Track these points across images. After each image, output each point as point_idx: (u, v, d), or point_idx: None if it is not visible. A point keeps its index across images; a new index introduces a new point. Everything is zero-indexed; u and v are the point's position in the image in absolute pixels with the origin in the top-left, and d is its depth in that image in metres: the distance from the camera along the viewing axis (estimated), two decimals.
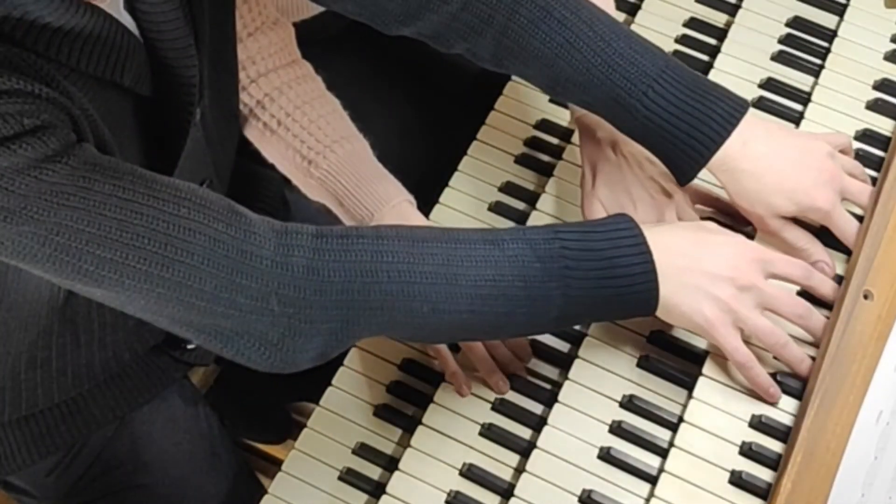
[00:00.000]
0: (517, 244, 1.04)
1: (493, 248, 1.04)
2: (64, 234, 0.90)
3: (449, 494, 1.12)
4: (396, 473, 1.13)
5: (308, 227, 1.01)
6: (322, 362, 1.04)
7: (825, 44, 1.32)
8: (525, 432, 1.14)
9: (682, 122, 1.13)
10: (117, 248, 0.92)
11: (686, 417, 1.11)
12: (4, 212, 0.87)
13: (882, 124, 1.27)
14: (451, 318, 1.04)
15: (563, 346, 1.18)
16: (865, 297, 1.10)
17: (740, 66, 1.31)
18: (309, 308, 0.99)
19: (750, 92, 1.29)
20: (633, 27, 1.35)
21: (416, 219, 1.23)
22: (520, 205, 1.28)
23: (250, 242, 0.97)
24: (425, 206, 1.27)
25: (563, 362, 1.16)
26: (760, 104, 1.29)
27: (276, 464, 1.21)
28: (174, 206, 0.94)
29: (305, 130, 1.26)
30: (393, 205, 1.23)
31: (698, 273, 1.06)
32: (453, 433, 1.14)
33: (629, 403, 1.13)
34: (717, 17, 1.36)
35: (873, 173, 1.22)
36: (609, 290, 1.05)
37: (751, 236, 1.17)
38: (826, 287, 1.12)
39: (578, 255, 1.04)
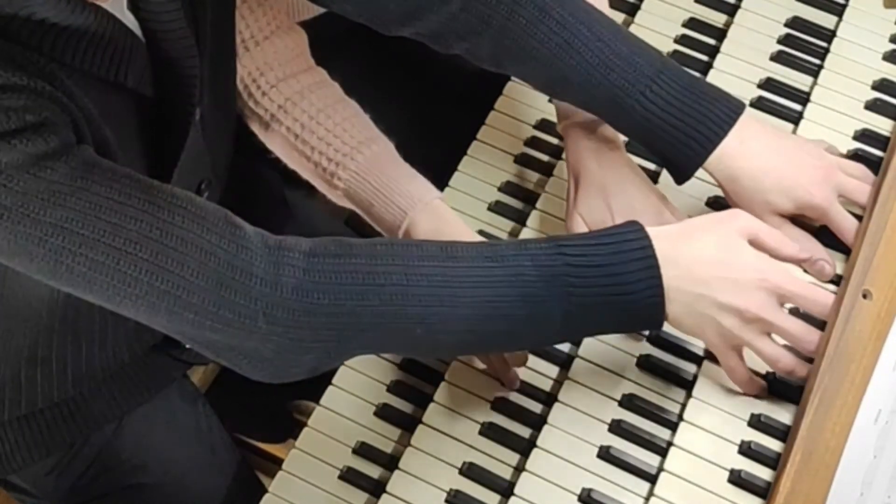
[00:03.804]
0: (519, 259, 1.02)
1: (494, 266, 1.02)
2: (59, 235, 0.90)
3: (449, 493, 1.12)
4: (396, 473, 1.13)
5: (303, 244, 1.00)
6: (315, 375, 1.03)
7: (824, 44, 1.32)
8: (525, 431, 1.14)
9: (679, 121, 1.13)
10: (110, 253, 0.92)
11: (685, 417, 1.11)
12: (1, 208, 0.87)
13: (881, 124, 1.27)
14: (447, 339, 1.03)
15: (563, 346, 1.18)
16: (864, 296, 1.10)
17: (739, 67, 1.31)
18: (297, 328, 0.98)
19: (749, 92, 1.29)
20: (633, 27, 1.35)
21: (450, 216, 1.21)
22: (520, 205, 1.28)
23: (242, 258, 0.97)
24: None
25: (563, 362, 1.17)
26: (759, 104, 1.29)
27: (277, 463, 1.21)
28: (169, 213, 0.94)
29: (331, 133, 1.24)
30: (426, 202, 1.21)
31: (708, 301, 1.04)
32: (453, 432, 1.15)
33: (629, 403, 1.13)
34: (717, 18, 1.36)
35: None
36: (612, 308, 1.03)
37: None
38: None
39: (582, 271, 1.02)
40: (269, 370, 1.00)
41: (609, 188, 1.18)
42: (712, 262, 1.04)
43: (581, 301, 1.02)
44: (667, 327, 1.14)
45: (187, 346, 1.29)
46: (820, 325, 1.10)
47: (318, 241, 1.01)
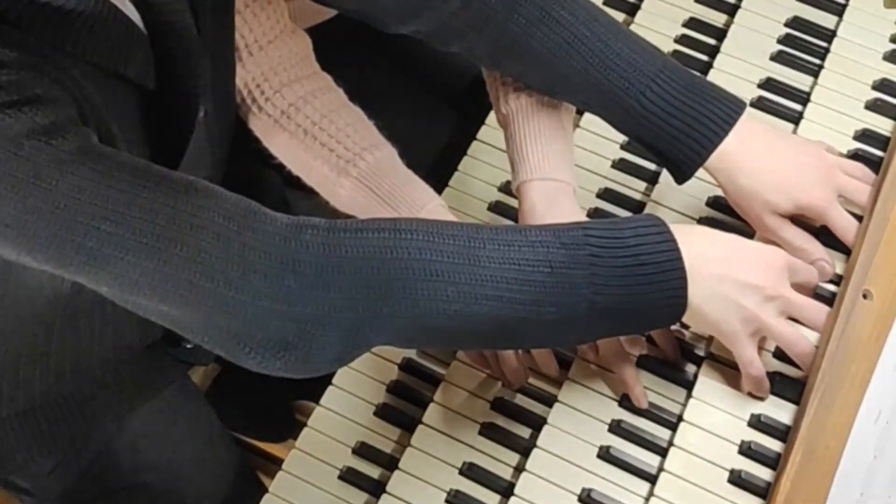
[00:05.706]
0: (541, 231, 1.02)
1: (517, 234, 1.02)
2: (69, 208, 0.87)
3: (449, 493, 1.12)
4: (396, 473, 1.13)
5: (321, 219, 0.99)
6: (340, 366, 1.01)
7: (824, 44, 1.32)
8: (525, 431, 1.14)
9: (679, 121, 1.13)
10: (123, 223, 0.89)
11: (685, 417, 1.11)
12: (11, 180, 0.85)
13: (881, 124, 1.27)
14: (477, 308, 1.00)
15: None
16: (864, 296, 1.10)
17: (740, 66, 1.31)
18: (326, 289, 0.95)
19: (749, 92, 1.29)
20: (633, 27, 1.35)
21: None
22: None
23: (262, 220, 0.95)
24: None
25: (563, 362, 1.17)
26: (760, 104, 1.29)
27: (277, 463, 1.21)
28: (182, 186, 0.92)
29: (334, 139, 1.24)
30: (429, 209, 1.20)
31: (730, 282, 1.05)
32: (453, 433, 1.15)
33: (629, 403, 1.13)
34: (717, 18, 1.36)
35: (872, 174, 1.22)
36: (636, 279, 1.02)
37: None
38: None
39: (604, 242, 1.02)
40: (293, 356, 0.96)
41: None
42: (727, 246, 1.07)
43: (604, 272, 1.01)
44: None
45: (188, 344, 1.30)
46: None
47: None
